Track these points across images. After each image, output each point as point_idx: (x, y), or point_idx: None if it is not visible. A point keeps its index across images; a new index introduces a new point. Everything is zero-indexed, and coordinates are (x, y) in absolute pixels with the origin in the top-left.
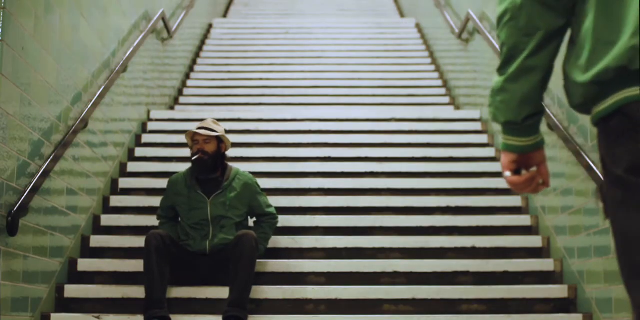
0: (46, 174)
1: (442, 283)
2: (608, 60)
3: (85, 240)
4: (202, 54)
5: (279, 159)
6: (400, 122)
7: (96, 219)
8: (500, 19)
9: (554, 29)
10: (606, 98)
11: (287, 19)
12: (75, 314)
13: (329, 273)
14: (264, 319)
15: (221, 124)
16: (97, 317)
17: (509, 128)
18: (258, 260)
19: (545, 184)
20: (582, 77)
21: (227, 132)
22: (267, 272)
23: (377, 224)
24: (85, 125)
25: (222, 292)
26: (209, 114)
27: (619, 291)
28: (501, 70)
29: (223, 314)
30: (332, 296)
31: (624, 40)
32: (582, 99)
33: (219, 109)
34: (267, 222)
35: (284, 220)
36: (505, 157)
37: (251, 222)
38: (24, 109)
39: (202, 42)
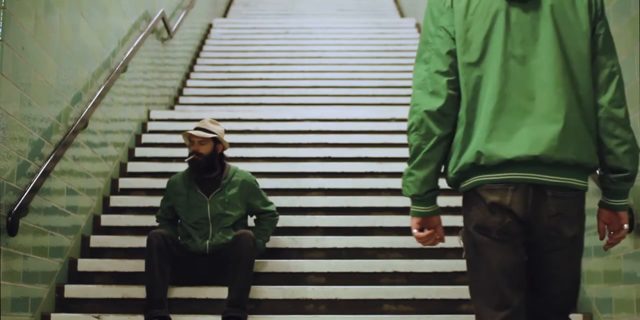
0: (46, 174)
1: (442, 283)
2: (465, 159)
3: (85, 240)
4: (202, 54)
5: (279, 159)
6: (400, 122)
7: (96, 219)
8: (409, 128)
9: (444, 135)
10: (466, 180)
11: (287, 19)
12: (75, 314)
13: (329, 273)
14: (263, 319)
15: (221, 124)
16: (97, 317)
17: (415, 200)
18: (258, 260)
19: (441, 239)
20: (453, 170)
21: (227, 132)
22: (267, 272)
23: (377, 224)
24: (85, 125)
25: (222, 292)
26: (209, 114)
27: (619, 291)
28: (410, 162)
29: (222, 314)
30: (332, 296)
31: (473, 146)
32: (453, 181)
33: (219, 109)
34: (267, 219)
35: (284, 220)
36: (413, 220)
37: (251, 221)
38: (24, 109)
39: (202, 42)
